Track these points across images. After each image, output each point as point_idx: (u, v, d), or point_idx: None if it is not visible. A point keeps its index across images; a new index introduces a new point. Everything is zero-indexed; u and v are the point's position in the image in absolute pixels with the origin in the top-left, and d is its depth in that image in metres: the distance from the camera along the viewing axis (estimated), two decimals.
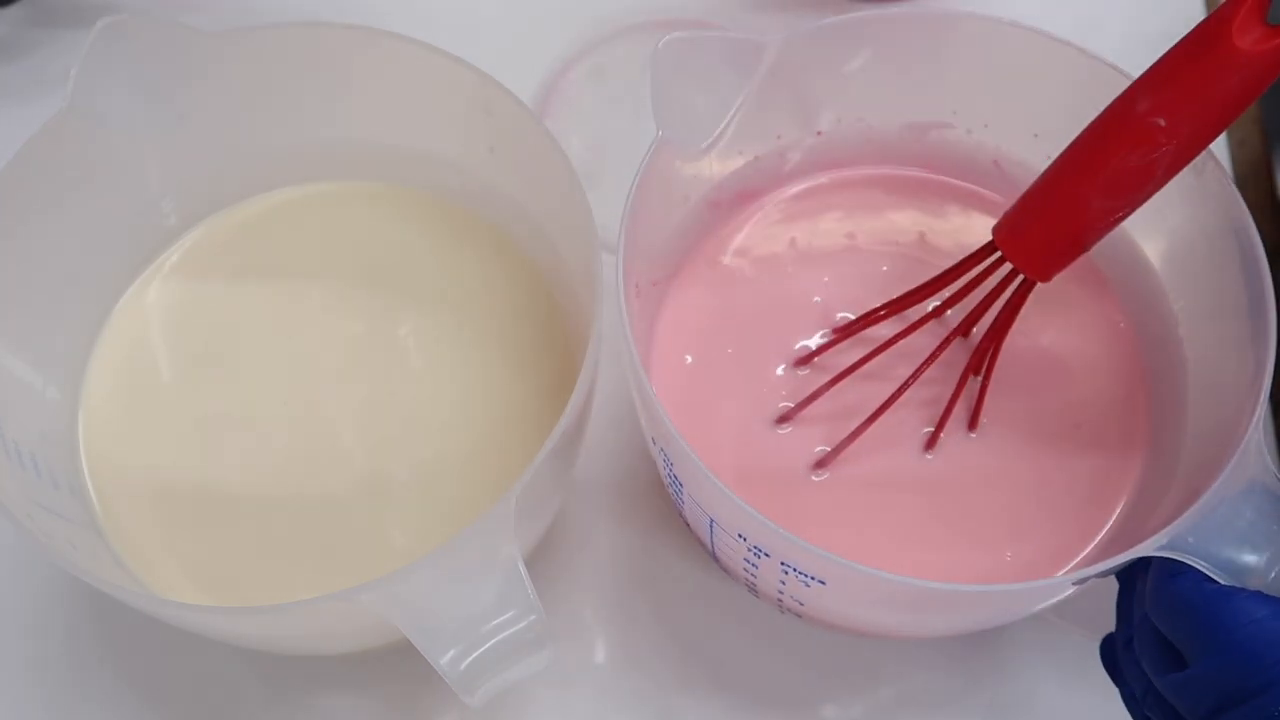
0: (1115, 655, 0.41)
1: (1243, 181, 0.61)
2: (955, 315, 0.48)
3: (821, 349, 0.48)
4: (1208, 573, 0.37)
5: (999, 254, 0.44)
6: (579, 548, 0.51)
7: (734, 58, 0.44)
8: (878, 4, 0.62)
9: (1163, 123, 0.38)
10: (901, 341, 0.46)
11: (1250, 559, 0.37)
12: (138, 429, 0.48)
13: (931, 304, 0.48)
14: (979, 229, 0.50)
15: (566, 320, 0.50)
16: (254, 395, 0.49)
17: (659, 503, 0.52)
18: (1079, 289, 0.49)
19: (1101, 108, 0.40)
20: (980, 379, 0.47)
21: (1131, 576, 0.40)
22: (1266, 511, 0.37)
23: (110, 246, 0.49)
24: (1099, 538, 0.45)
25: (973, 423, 0.47)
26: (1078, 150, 0.41)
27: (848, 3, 0.63)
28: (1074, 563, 0.45)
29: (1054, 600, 0.42)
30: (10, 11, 0.62)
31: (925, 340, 0.47)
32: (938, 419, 0.46)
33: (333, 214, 0.53)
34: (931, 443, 0.46)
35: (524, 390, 0.49)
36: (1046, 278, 0.43)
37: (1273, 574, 0.37)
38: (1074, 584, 0.39)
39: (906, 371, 0.46)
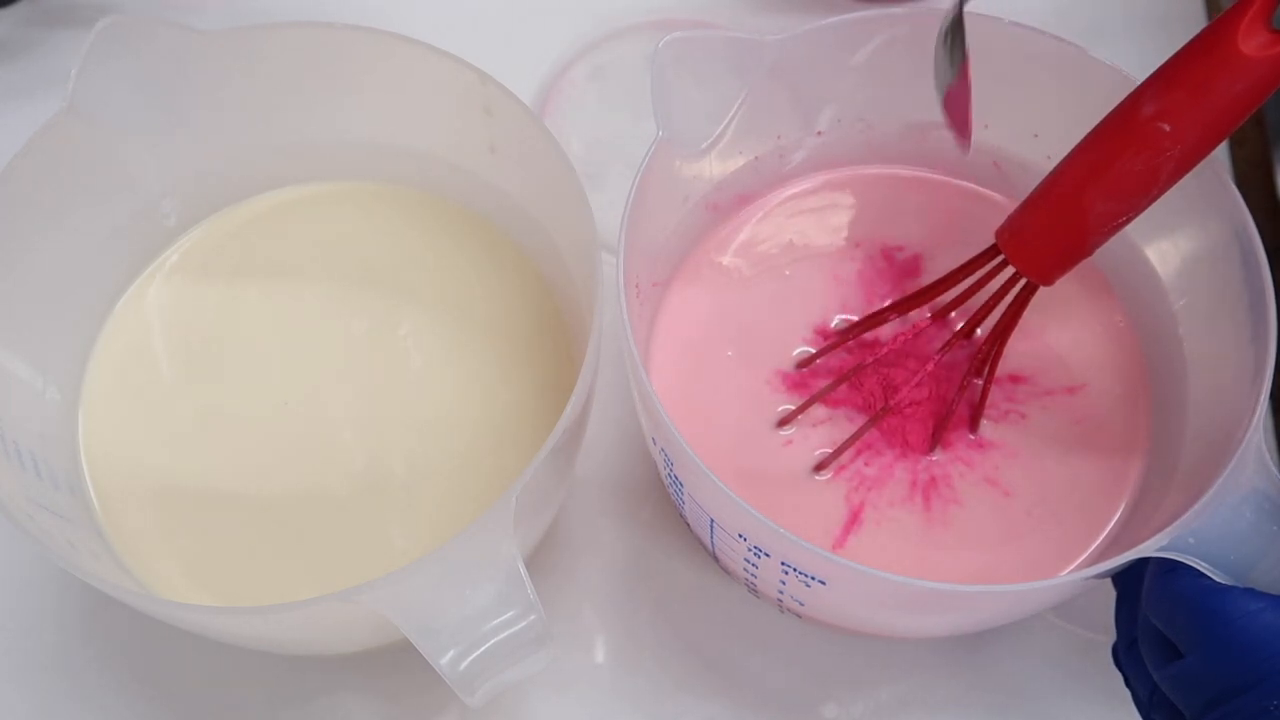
0: (1121, 660, 0.41)
1: (1243, 181, 0.61)
2: (957, 317, 0.48)
3: (824, 350, 0.48)
4: (1207, 573, 0.37)
5: (1002, 257, 0.44)
6: (579, 547, 0.51)
7: (734, 58, 0.44)
8: (878, 4, 0.62)
9: (1168, 128, 0.38)
10: (903, 343, 0.46)
11: (1250, 560, 0.37)
12: (138, 429, 0.48)
13: (933, 306, 0.48)
14: (979, 230, 0.50)
15: (566, 320, 0.50)
16: (254, 395, 0.49)
17: (659, 503, 0.52)
18: (1079, 289, 0.49)
19: (1102, 109, 0.40)
20: (982, 380, 0.47)
21: (1131, 581, 0.40)
22: (1267, 512, 0.37)
23: (110, 246, 0.49)
24: (1100, 538, 0.45)
25: (974, 424, 0.47)
26: (1082, 154, 0.41)
27: (848, 2, 0.63)
28: (1076, 563, 0.45)
29: (1055, 601, 0.42)
30: (10, 11, 0.62)
31: (927, 342, 0.47)
32: (940, 420, 0.46)
33: (333, 214, 0.52)
34: (934, 444, 0.46)
35: (524, 390, 0.49)
36: (1049, 281, 0.43)
37: (1272, 575, 0.37)
38: (1076, 584, 0.39)
39: (909, 373, 0.46)
